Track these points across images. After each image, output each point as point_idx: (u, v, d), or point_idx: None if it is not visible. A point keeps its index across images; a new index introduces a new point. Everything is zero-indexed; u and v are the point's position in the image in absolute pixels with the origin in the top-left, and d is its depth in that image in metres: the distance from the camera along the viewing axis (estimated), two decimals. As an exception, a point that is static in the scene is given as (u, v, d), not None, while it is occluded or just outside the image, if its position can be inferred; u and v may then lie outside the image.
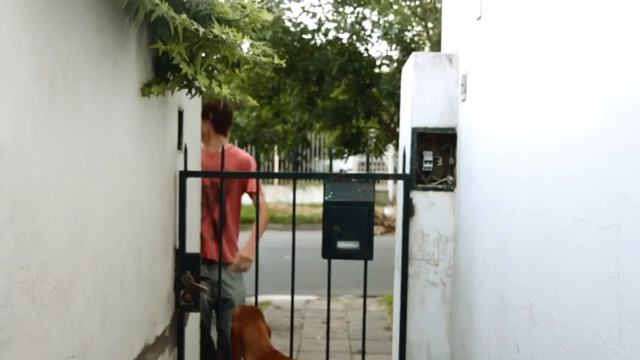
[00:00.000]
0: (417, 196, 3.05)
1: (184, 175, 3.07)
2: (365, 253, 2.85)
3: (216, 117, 4.07)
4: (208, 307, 4.00)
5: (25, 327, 1.52)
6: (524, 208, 2.03)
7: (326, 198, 2.81)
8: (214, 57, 2.12)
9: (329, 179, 2.84)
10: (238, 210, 4.08)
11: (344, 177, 2.86)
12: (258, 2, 2.29)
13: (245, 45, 2.30)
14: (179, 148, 3.15)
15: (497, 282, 2.30)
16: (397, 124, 8.06)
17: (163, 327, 2.84)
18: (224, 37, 1.80)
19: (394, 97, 7.15)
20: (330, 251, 2.85)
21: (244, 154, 4.16)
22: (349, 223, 2.83)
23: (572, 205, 1.63)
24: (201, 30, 1.76)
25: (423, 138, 3.11)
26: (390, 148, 9.47)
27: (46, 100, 1.61)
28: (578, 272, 1.58)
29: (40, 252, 1.59)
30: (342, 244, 2.79)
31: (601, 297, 1.44)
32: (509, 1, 2.34)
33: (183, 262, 3.01)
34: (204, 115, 3.96)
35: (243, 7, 2.06)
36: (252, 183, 3.97)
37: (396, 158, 14.04)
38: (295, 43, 6.97)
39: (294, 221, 3.12)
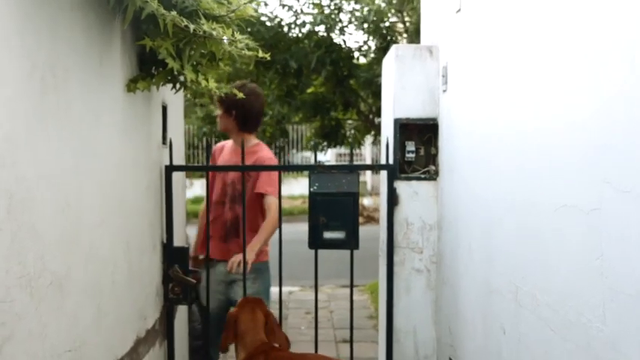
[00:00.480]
0: (401, 186, 3.11)
1: (170, 169, 3.05)
2: (351, 242, 2.89)
3: (240, 114, 3.69)
4: (221, 307, 3.55)
5: (25, 322, 1.55)
6: (509, 195, 2.09)
7: (312, 189, 2.84)
8: (201, 52, 2.13)
9: (314, 171, 2.87)
10: (255, 212, 3.59)
11: (328, 168, 2.90)
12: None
13: (226, 39, 2.32)
14: (164, 142, 3.16)
15: (483, 268, 2.36)
16: (376, 114, 8.11)
17: (153, 320, 2.86)
18: (214, 33, 1.83)
19: (372, 85, 7.20)
20: (316, 242, 2.89)
21: (264, 153, 3.72)
22: (335, 214, 2.87)
23: (555, 191, 1.69)
24: (192, 27, 1.79)
25: (405, 128, 3.16)
26: (368, 138, 9.53)
27: (38, 99, 1.62)
28: (563, 255, 1.64)
29: (36, 247, 1.61)
30: (328, 235, 2.83)
31: (585, 278, 1.50)
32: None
33: (171, 255, 3.00)
34: (227, 112, 3.71)
35: (230, 2, 2.08)
36: (260, 183, 3.56)
37: (374, 147, 14.12)
38: (271, 36, 6.98)
39: (280, 214, 3.16)
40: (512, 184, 2.05)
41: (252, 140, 3.76)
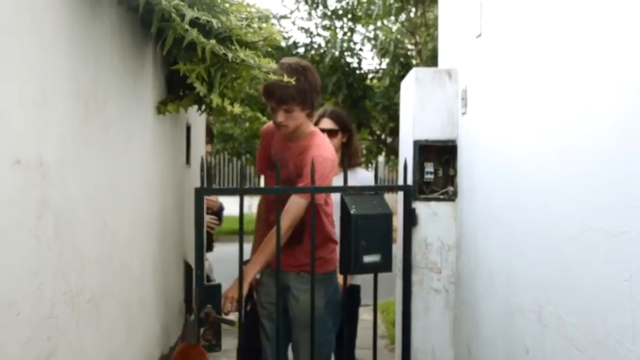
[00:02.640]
0: (420, 207, 3.15)
1: (201, 192, 2.52)
2: (387, 265, 2.84)
3: (313, 100, 2.91)
4: (271, 318, 2.95)
5: (67, 337, 1.60)
6: (530, 216, 2.13)
7: (352, 212, 2.70)
8: (231, 76, 2.20)
9: (346, 192, 2.78)
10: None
11: (357, 190, 2.84)
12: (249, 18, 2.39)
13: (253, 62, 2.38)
14: (187, 162, 3.23)
15: (503, 288, 2.40)
16: (389, 135, 8.18)
17: (176, 338, 2.91)
18: (251, 62, 1.90)
19: (389, 110, 7.28)
20: (356, 266, 2.76)
21: (315, 150, 2.86)
22: (372, 236, 2.75)
23: (581, 214, 1.73)
24: (230, 55, 1.85)
25: (424, 150, 3.21)
26: (380, 158, 9.59)
27: (83, 122, 1.69)
28: (588, 276, 1.68)
29: (77, 265, 1.66)
30: (367, 258, 2.72)
31: (613, 299, 1.54)
32: (507, 20, 2.46)
33: (203, 295, 2.53)
34: (302, 103, 2.85)
35: (260, 28, 2.15)
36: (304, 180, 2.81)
37: (387, 166, 14.13)
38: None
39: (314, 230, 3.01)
40: (533, 206, 2.10)
41: (309, 126, 2.93)
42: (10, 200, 1.28)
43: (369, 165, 10.49)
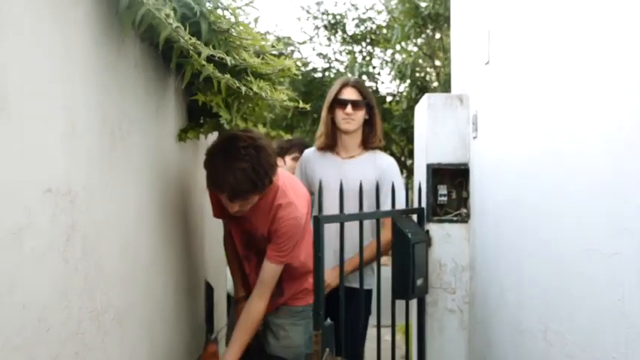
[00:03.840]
0: (434, 228, 3.23)
1: (321, 220, 2.24)
2: (426, 288, 2.91)
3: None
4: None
5: (93, 353, 1.70)
6: (536, 238, 2.21)
7: (410, 238, 2.71)
8: (248, 105, 2.32)
9: (401, 216, 2.78)
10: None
11: (402, 213, 2.82)
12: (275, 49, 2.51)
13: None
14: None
15: (514, 308, 2.47)
16: (408, 157, 8.28)
17: (197, 356, 3.00)
18: (263, 94, 2.02)
19: (407, 132, 7.39)
20: (413, 291, 2.77)
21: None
22: (420, 261, 2.79)
23: (579, 236, 1.81)
24: (243, 88, 1.97)
25: (437, 173, 3.30)
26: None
27: (108, 150, 1.81)
28: (587, 296, 1.75)
29: (102, 285, 1.78)
30: (418, 282, 2.71)
31: (609, 318, 1.61)
32: (515, 48, 2.55)
33: (323, 339, 2.20)
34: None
35: (272, 59, 2.27)
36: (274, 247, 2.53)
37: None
38: (305, 85, 7.22)
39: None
40: (539, 228, 2.17)
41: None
42: (42, 226, 1.40)
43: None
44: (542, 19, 2.19)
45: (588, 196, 1.76)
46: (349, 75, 2.90)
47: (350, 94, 3.00)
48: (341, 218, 2.39)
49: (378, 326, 3.02)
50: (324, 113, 3.07)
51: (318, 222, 2.19)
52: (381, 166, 3.00)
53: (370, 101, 3.06)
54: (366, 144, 3.06)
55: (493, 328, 2.78)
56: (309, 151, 3.20)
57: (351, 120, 2.95)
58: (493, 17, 2.84)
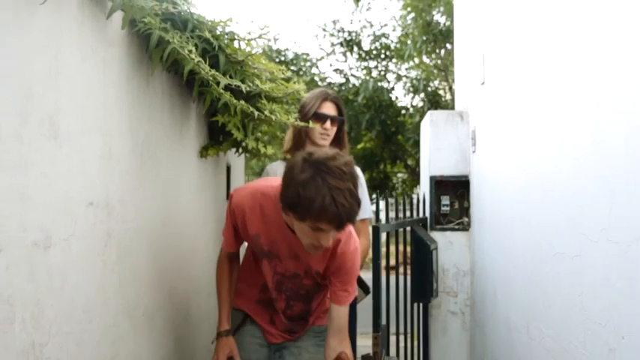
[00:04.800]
0: (437, 236, 3.47)
1: (379, 229, 2.44)
2: (437, 290, 3.26)
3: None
4: None
5: (126, 343, 1.98)
6: (521, 244, 2.44)
7: (431, 245, 3.12)
8: (262, 126, 2.59)
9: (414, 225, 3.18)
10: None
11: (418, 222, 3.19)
12: (286, 70, 2.78)
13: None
14: (227, 198, 3.63)
15: (504, 308, 2.70)
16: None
17: None
18: (273, 117, 2.29)
19: (419, 144, 7.66)
20: (432, 294, 3.12)
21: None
22: (435, 266, 3.22)
23: (551, 241, 2.04)
24: (256, 113, 2.25)
25: (440, 185, 3.54)
26: (416, 190, 9.98)
27: (138, 169, 2.09)
28: (558, 294, 1.98)
29: (134, 285, 2.05)
30: (434, 286, 3.14)
31: (572, 312, 1.84)
32: (506, 70, 2.79)
33: (382, 340, 2.32)
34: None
35: (283, 84, 2.54)
36: (348, 291, 2.24)
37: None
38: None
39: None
40: (523, 235, 2.41)
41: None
42: (85, 233, 1.68)
43: (405, 195, 10.82)
44: (530, 46, 2.43)
45: (560, 207, 2.00)
46: (328, 91, 2.66)
47: (329, 109, 2.83)
48: (387, 227, 2.63)
49: (397, 332, 3.07)
50: (298, 123, 2.66)
51: (377, 230, 2.36)
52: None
53: (344, 118, 2.94)
54: None
55: (489, 328, 3.00)
56: (275, 165, 2.96)
57: (327, 136, 2.81)
58: (487, 42, 3.09)
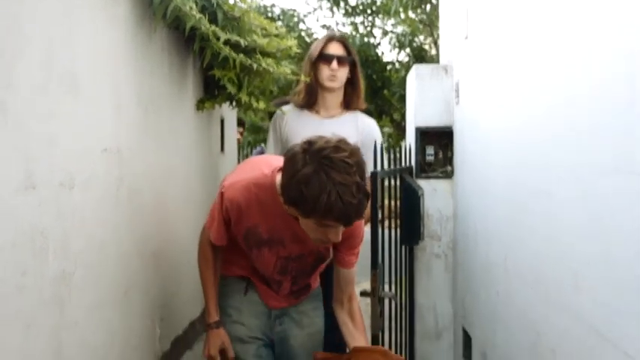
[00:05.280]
0: (422, 184, 3.65)
1: (376, 175, 2.39)
2: (422, 235, 3.52)
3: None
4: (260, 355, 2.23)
5: (138, 277, 2.16)
6: (499, 186, 2.63)
7: (419, 192, 3.38)
8: (256, 80, 2.74)
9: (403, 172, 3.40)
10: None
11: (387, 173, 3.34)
12: (280, 26, 2.93)
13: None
14: (222, 150, 3.79)
15: (484, 248, 2.91)
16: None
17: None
18: (271, 69, 2.44)
19: (405, 99, 7.82)
20: (420, 237, 3.43)
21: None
22: (422, 211, 3.49)
23: (526, 179, 2.24)
24: (255, 65, 2.40)
25: (425, 135, 3.71)
26: (402, 143, 10.18)
27: (143, 120, 2.25)
28: (531, 231, 2.19)
29: (141, 226, 2.23)
30: (421, 229, 3.42)
31: (544, 246, 2.04)
32: (488, 25, 2.94)
33: (378, 276, 2.39)
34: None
35: (277, 40, 2.69)
36: (356, 254, 2.22)
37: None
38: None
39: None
40: (501, 178, 2.60)
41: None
42: (101, 176, 1.85)
43: (391, 149, 11.01)
44: (511, 2, 2.58)
45: (533, 150, 2.18)
46: (332, 31, 2.61)
47: (336, 49, 2.79)
48: (383, 174, 2.65)
49: (390, 274, 3.12)
50: (306, 68, 2.81)
51: (376, 176, 2.34)
52: (363, 129, 2.87)
53: (354, 58, 2.87)
54: (349, 105, 2.89)
55: (470, 267, 3.22)
56: (285, 109, 2.90)
57: (335, 77, 2.76)
58: (470, -3, 3.23)
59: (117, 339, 1.97)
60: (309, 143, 1.72)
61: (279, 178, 1.86)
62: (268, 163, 1.99)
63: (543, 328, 2.04)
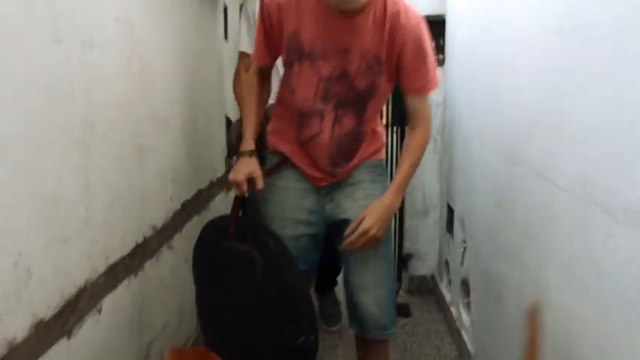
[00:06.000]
0: (414, 71, 3.86)
1: None
2: None
3: None
4: (309, 242, 2.21)
5: (151, 144, 2.43)
6: (482, 76, 2.85)
7: None
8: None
9: None
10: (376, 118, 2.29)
11: None
12: None
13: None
14: (225, 37, 3.98)
15: (466, 127, 3.16)
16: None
17: (220, 174, 3.76)
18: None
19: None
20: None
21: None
22: None
23: (502, 59, 2.45)
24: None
25: (419, 24, 3.88)
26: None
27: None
28: (504, 102, 2.42)
29: (150, 99, 2.45)
30: None
31: (511, 114, 2.28)
32: None
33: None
34: None
35: None
36: (425, 73, 2.15)
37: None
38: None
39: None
40: (482, 68, 2.81)
41: None
42: (114, 43, 2.06)
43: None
44: None
45: (510, 38, 2.38)
46: None
47: None
48: None
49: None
50: None
51: None
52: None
53: None
54: None
55: (454, 148, 3.49)
56: None
57: None
58: None
59: (135, 188, 2.25)
60: None
61: None
62: None
63: (506, 184, 2.32)
